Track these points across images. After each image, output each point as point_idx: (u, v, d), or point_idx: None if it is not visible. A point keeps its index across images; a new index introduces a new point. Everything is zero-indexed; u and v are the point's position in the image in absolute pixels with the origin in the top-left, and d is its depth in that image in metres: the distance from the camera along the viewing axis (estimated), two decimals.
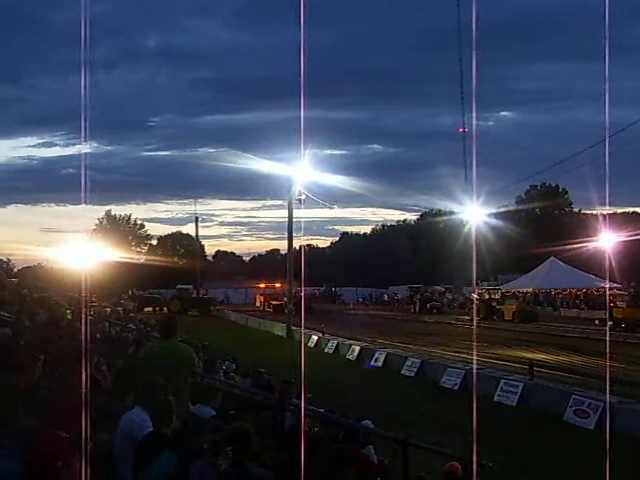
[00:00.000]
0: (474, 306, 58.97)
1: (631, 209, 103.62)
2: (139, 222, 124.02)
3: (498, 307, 61.74)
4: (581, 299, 71.85)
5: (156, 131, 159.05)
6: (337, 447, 7.91)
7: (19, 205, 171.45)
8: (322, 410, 11.34)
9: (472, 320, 57.08)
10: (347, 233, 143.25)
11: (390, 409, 19.47)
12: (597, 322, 49.00)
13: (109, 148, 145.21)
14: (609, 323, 45.96)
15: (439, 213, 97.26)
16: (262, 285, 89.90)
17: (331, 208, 74.00)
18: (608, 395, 17.60)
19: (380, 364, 31.03)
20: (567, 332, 45.00)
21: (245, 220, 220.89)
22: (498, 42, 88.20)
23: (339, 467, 6.68)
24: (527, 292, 75.19)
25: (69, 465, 4.76)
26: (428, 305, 76.04)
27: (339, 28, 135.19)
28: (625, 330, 43.97)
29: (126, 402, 8.63)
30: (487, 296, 65.23)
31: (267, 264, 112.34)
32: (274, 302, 75.05)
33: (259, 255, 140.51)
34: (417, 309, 75.75)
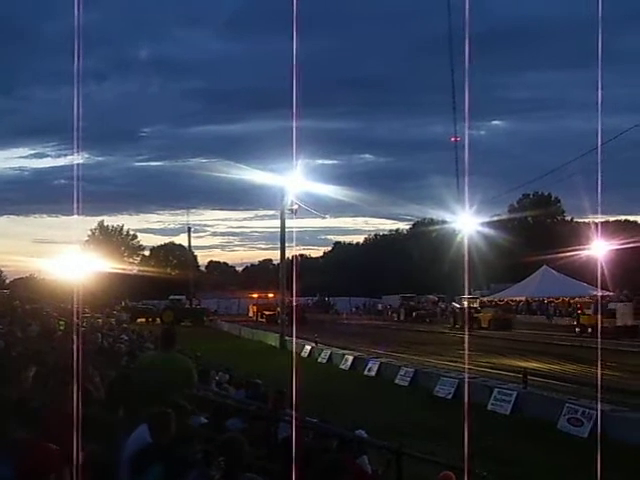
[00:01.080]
0: (466, 314, 59.97)
1: (623, 217, 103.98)
2: (131, 233, 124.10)
3: (476, 315, 63.41)
4: (574, 307, 71.89)
5: (147, 142, 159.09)
6: (330, 457, 7.88)
7: (11, 216, 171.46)
8: (315, 420, 11.31)
9: (453, 328, 60.35)
10: (340, 243, 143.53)
11: (384, 419, 19.42)
12: (588, 330, 49.72)
13: (100, 159, 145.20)
14: (577, 330, 50.34)
15: (432, 222, 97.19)
16: (255, 295, 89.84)
17: (323, 218, 73.95)
18: (599, 403, 17.61)
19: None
20: (537, 338, 47.48)
21: (237, 230, 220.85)
22: (489, 51, 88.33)
23: (332, 477, 6.65)
24: (520, 301, 75.32)
25: (60, 478, 4.74)
26: (414, 314, 77.68)
27: (330, 38, 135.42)
28: (590, 335, 46.36)
29: (119, 414, 8.60)
30: (466, 304, 66.10)
31: (260, 274, 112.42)
32: (267, 312, 74.96)
33: (252, 265, 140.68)
34: (402, 317, 77.73)
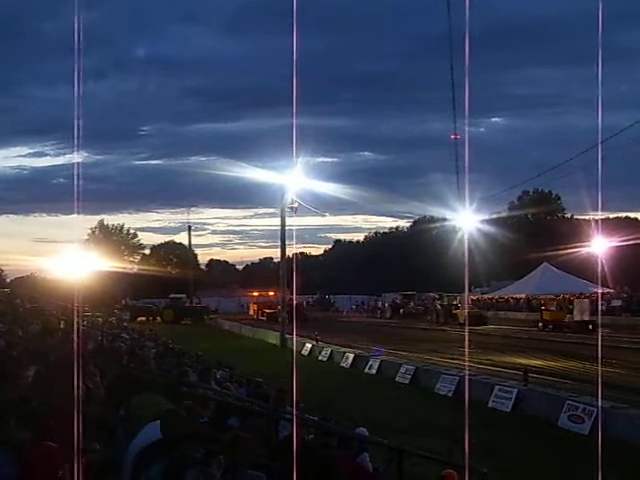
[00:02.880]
0: (465, 313, 61.13)
1: (623, 214, 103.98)
2: (132, 231, 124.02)
3: (454, 312, 66.45)
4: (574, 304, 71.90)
5: (147, 140, 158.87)
6: (325, 453, 7.88)
7: (11, 215, 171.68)
8: (316, 418, 11.31)
9: (436, 324, 64.49)
10: (340, 241, 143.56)
11: (385, 416, 19.44)
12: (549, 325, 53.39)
13: (100, 157, 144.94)
14: (540, 325, 54.82)
15: (432, 220, 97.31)
16: (255, 293, 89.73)
17: (323, 216, 73.93)
18: (600, 400, 17.60)
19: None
20: (504, 333, 51.30)
21: (238, 228, 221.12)
22: (489, 48, 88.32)
23: (327, 473, 6.65)
24: (520, 298, 75.51)
25: (62, 476, 4.75)
26: (401, 311, 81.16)
27: (330, 36, 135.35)
28: (552, 330, 51.76)
29: (119, 412, 8.61)
30: (446, 302, 71.39)
31: (260, 272, 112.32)
32: (267, 310, 74.84)
33: (252, 263, 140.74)
34: (389, 315, 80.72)
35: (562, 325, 52.28)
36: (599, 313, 53.27)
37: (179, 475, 5.88)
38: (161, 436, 6.81)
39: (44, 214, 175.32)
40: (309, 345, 40.18)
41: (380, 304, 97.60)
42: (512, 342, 42.60)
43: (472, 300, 77.66)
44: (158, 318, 75.09)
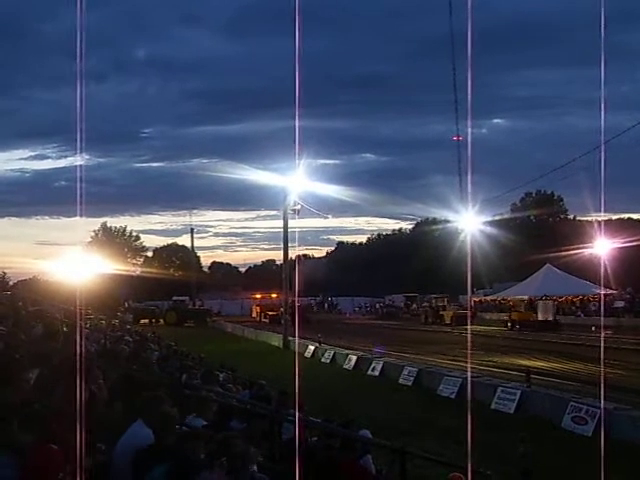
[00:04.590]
0: (470, 312, 61.94)
1: (626, 215, 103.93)
2: (134, 234, 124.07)
3: (441, 313, 70.76)
4: (577, 306, 71.85)
5: (149, 142, 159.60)
6: (326, 454, 7.88)
7: (13, 218, 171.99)
8: (319, 420, 11.30)
9: (425, 324, 68.65)
10: (343, 243, 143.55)
11: (388, 418, 19.41)
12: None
13: (102, 160, 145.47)
14: (509, 324, 58.62)
15: (434, 222, 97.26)
16: (258, 296, 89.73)
17: (326, 218, 73.77)
18: (603, 401, 17.55)
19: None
20: (483, 332, 51.00)
21: (240, 231, 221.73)
22: (490, 49, 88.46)
23: (328, 474, 6.64)
24: (523, 300, 75.53)
25: (64, 479, 4.75)
26: (384, 311, 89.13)
27: (331, 37, 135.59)
28: (520, 329, 55.48)
29: (118, 413, 8.60)
30: (434, 303, 74.31)
31: (263, 274, 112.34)
32: (270, 313, 74.91)
33: (255, 266, 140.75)
34: (379, 315, 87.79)
35: (528, 324, 55.93)
36: (602, 314, 53.34)
37: (183, 477, 5.87)
38: (145, 434, 6.77)
39: (46, 217, 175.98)
40: (312, 347, 40.14)
41: (377, 306, 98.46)
42: (512, 343, 42.55)
43: (475, 302, 78.58)
44: (161, 320, 75.11)
